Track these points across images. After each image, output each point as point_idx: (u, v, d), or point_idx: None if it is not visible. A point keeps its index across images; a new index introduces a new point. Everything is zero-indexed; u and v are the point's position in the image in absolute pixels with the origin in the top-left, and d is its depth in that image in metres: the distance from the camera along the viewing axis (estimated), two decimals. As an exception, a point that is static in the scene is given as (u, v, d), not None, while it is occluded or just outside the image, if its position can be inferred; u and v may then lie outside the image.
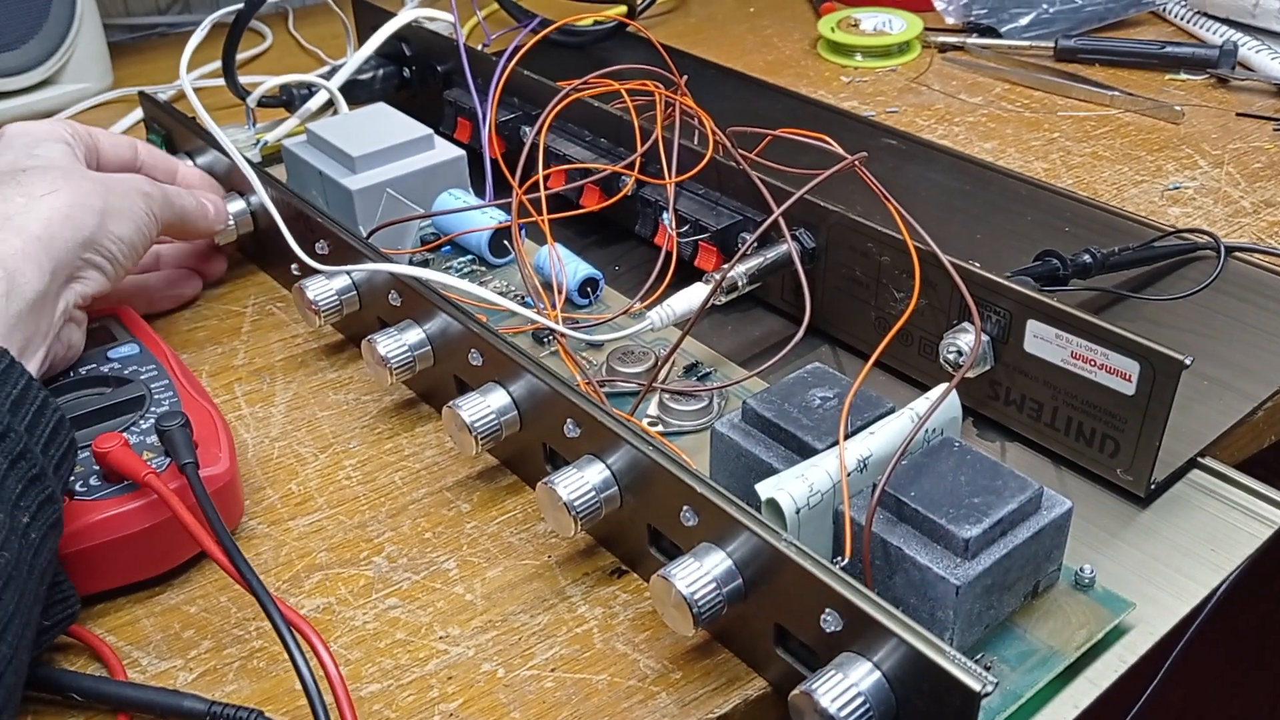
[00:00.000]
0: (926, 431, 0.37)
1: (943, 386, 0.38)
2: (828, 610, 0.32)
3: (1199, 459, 0.43)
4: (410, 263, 0.53)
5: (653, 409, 0.45)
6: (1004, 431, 0.44)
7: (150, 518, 0.39)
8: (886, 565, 0.35)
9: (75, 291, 0.43)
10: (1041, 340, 0.41)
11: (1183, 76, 0.75)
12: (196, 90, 0.76)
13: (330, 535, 0.42)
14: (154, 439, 0.41)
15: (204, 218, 0.52)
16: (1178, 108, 0.69)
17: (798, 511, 0.35)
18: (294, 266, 0.50)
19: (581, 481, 0.38)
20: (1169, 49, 0.76)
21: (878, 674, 0.31)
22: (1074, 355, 0.40)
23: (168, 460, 0.40)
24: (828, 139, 0.48)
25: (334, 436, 0.46)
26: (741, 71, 0.76)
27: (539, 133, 0.53)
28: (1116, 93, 0.72)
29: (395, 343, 0.45)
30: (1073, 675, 0.35)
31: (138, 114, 0.68)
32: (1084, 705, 0.34)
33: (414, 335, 0.45)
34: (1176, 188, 0.62)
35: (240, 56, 0.83)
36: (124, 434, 0.41)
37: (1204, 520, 0.41)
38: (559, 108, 0.55)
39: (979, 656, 0.35)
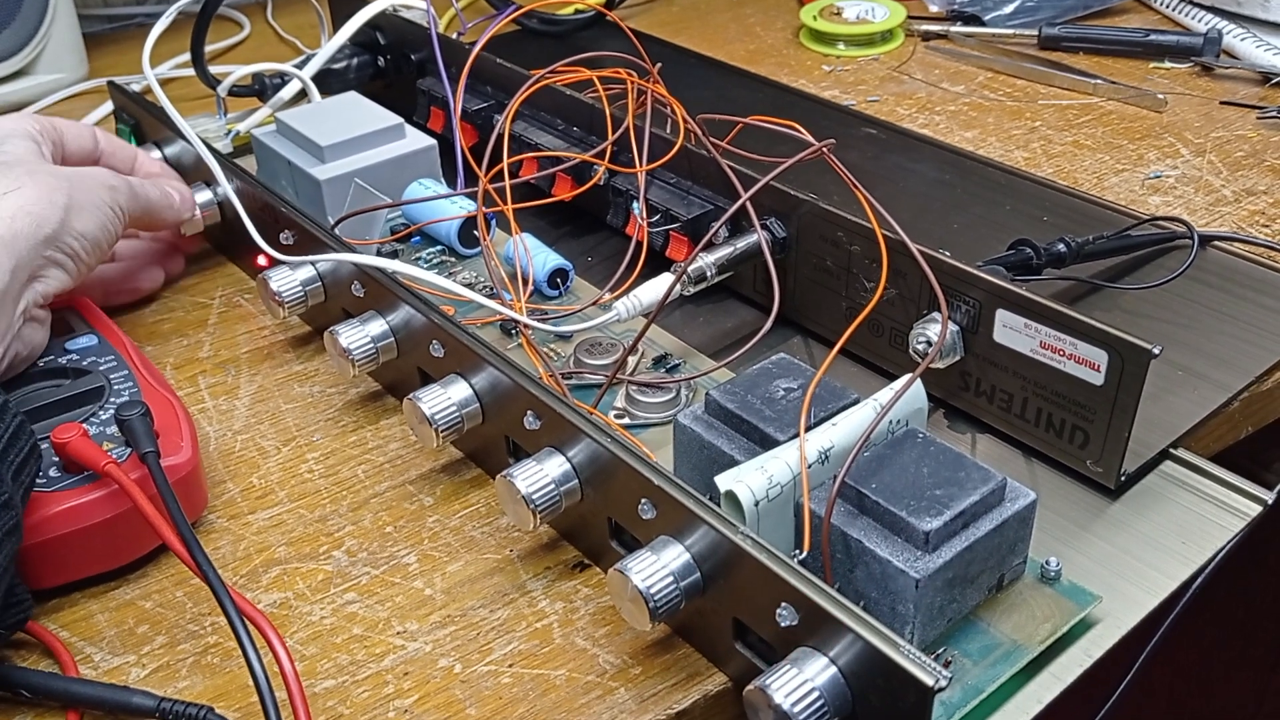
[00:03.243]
0: (890, 422, 0.37)
1: (907, 377, 0.37)
2: (783, 604, 0.31)
3: (1171, 450, 0.42)
4: (378, 253, 0.53)
5: (620, 401, 0.44)
6: (974, 423, 0.44)
7: (111, 508, 0.38)
8: (847, 558, 0.34)
9: (37, 290, 0.43)
10: (1010, 330, 0.41)
11: (1167, 65, 0.75)
12: (172, 80, 0.76)
13: (290, 529, 0.41)
14: (114, 430, 0.40)
15: (170, 208, 0.51)
16: (1161, 96, 0.69)
17: (756, 504, 0.34)
18: (259, 259, 0.49)
19: (541, 474, 0.37)
20: (1153, 37, 0.75)
21: (833, 669, 0.30)
22: (1043, 345, 0.40)
23: (128, 451, 0.39)
24: (797, 126, 0.48)
25: (297, 429, 0.46)
26: (722, 61, 0.75)
27: (506, 120, 0.53)
28: (1100, 81, 0.71)
29: (358, 334, 0.44)
30: (1037, 670, 0.34)
31: (111, 105, 0.68)
32: (1048, 700, 0.34)
33: (377, 326, 0.45)
34: (1158, 176, 0.61)
35: (217, 46, 0.83)
36: (83, 425, 0.40)
37: (1175, 513, 0.40)
38: (527, 94, 0.54)
39: (940, 651, 0.34)
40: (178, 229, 0.53)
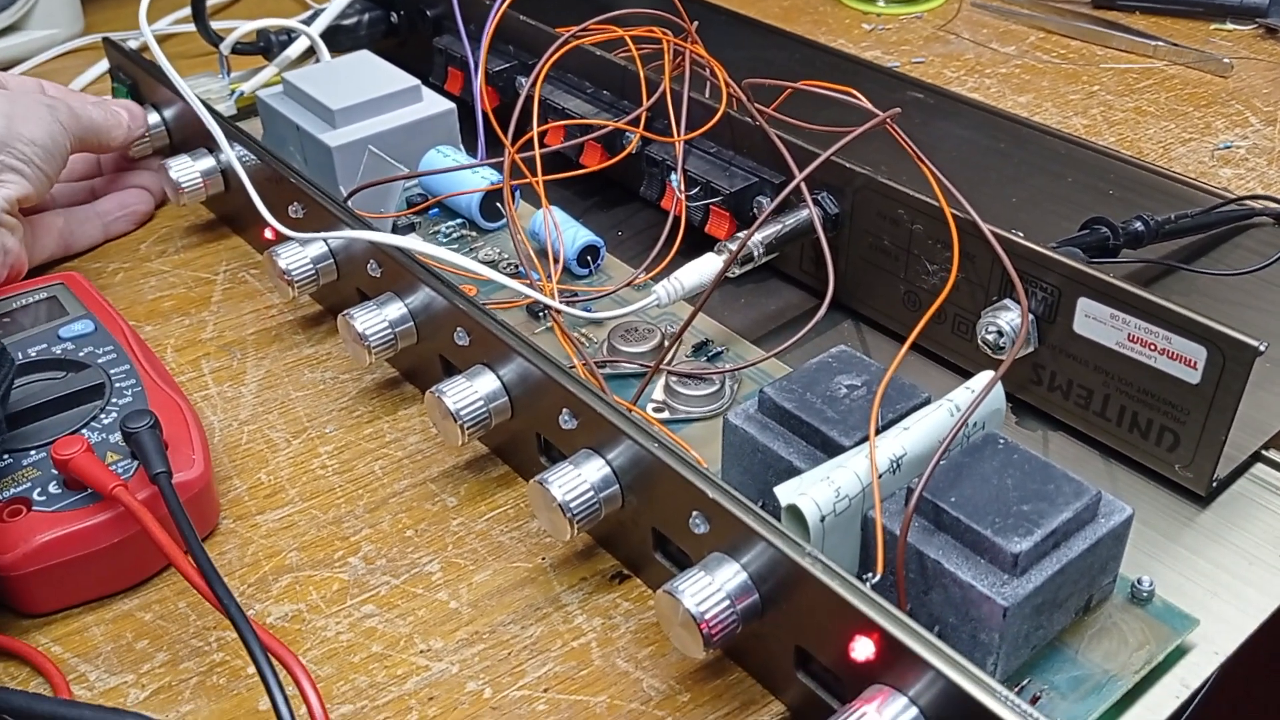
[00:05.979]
0: (967, 426, 0.33)
1: (987, 374, 0.34)
2: (857, 636, 0.28)
3: (1264, 452, 0.39)
4: (394, 227, 0.49)
5: (658, 393, 0.41)
6: (1046, 419, 0.40)
7: (118, 533, 0.35)
8: (922, 579, 0.31)
9: None
10: (1094, 321, 0.37)
11: (1229, 26, 0.70)
12: (171, 36, 0.72)
13: (302, 532, 0.38)
14: (117, 437, 0.37)
15: (118, 126, 0.50)
16: (1226, 60, 0.64)
17: (822, 520, 0.31)
18: (266, 232, 0.46)
19: (578, 480, 0.34)
20: (1215, -4, 0.71)
21: (914, 710, 0.27)
22: (1131, 338, 0.36)
23: (135, 464, 0.36)
24: (855, 93, 0.44)
25: (309, 420, 0.42)
26: (755, 18, 0.70)
27: (534, 84, 0.49)
28: (1160, 43, 0.67)
29: (374, 318, 0.41)
30: (1129, 703, 0.31)
31: (106, 63, 0.64)
32: (1143, 738, 0.31)
33: (395, 310, 0.41)
34: (1227, 147, 0.57)
35: (219, 0, 0.79)
36: (85, 433, 0.37)
37: (1271, 521, 0.37)
38: (556, 56, 0.50)
39: (1025, 682, 0.31)
40: (127, 149, 0.53)
